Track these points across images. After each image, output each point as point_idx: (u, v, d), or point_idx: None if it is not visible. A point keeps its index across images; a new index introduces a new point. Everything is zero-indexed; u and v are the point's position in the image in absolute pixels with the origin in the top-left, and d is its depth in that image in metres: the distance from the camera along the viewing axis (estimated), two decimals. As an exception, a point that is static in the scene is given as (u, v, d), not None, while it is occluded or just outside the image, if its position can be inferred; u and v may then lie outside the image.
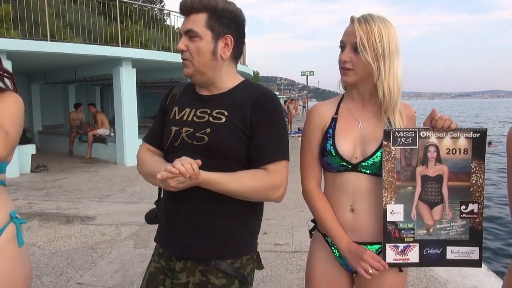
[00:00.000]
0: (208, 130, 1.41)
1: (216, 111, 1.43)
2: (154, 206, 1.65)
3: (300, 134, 1.63)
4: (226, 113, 1.42)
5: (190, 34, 1.39)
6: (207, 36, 1.39)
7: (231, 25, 1.42)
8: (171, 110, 1.53)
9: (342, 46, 1.47)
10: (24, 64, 9.86)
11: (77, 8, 10.69)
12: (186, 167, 1.22)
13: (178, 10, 1.47)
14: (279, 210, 5.70)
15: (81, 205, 5.91)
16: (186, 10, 1.41)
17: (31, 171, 8.78)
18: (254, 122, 1.39)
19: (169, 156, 1.47)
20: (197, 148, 1.40)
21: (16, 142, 1.43)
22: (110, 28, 10.74)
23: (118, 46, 9.92)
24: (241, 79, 1.52)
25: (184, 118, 1.47)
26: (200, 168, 1.27)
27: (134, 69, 9.90)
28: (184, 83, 1.61)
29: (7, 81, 1.55)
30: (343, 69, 1.46)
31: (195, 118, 1.45)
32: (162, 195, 1.60)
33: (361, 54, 1.40)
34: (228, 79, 1.48)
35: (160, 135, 1.54)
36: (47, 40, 8.58)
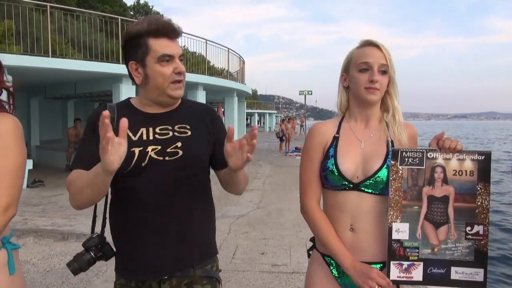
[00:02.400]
0: (179, 144, 1.45)
1: (178, 126, 1.49)
2: (86, 248, 1.64)
3: (298, 153, 1.65)
4: (188, 127, 1.50)
5: (181, 57, 1.48)
6: None
7: None
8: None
9: (366, 68, 1.50)
10: (25, 79, 9.91)
11: (79, 24, 10.80)
12: None
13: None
14: (276, 230, 5.64)
15: (77, 222, 5.83)
16: (174, 35, 1.46)
17: (27, 186, 8.72)
18: (215, 131, 1.55)
19: (133, 177, 1.41)
20: (169, 163, 1.43)
21: (18, 189, 1.34)
22: (111, 45, 10.84)
23: (119, 63, 10.01)
24: None
25: (145, 138, 1.45)
26: (172, 182, 1.41)
27: (134, 86, 9.89)
28: (112, 105, 1.51)
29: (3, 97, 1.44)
30: (372, 89, 1.49)
31: (157, 136, 1.46)
32: (107, 223, 1.59)
33: (390, 75, 1.51)
34: None
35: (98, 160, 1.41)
36: (48, 56, 8.66)
